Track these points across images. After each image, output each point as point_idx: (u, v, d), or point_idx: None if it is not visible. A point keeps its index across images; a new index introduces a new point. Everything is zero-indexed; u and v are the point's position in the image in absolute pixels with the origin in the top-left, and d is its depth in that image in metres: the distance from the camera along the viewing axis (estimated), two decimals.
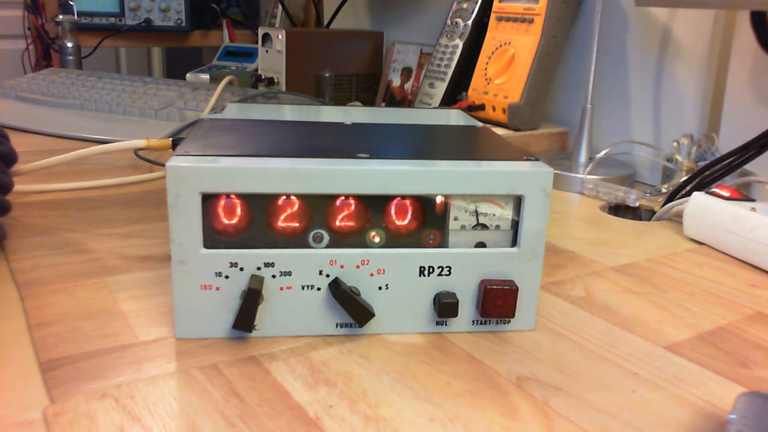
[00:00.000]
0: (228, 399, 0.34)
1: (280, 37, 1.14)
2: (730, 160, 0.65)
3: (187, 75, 1.39)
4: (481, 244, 0.41)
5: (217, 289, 0.39)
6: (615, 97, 0.90)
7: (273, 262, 0.39)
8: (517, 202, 0.41)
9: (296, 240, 0.39)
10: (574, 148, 0.84)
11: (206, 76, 1.33)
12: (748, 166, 0.66)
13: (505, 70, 0.91)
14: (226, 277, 0.39)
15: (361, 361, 0.38)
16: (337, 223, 0.40)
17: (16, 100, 1.07)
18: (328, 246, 0.40)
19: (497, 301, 0.40)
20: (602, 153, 0.80)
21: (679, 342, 0.42)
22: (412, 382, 0.36)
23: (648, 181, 0.86)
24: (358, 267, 0.40)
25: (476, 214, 0.41)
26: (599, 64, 0.90)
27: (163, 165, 0.38)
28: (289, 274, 0.39)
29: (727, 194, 0.60)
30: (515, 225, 0.41)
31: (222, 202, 0.38)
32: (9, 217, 0.61)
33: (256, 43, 1.25)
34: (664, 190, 0.77)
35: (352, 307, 0.39)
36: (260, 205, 0.39)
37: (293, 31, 1.16)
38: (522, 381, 0.37)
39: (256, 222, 0.39)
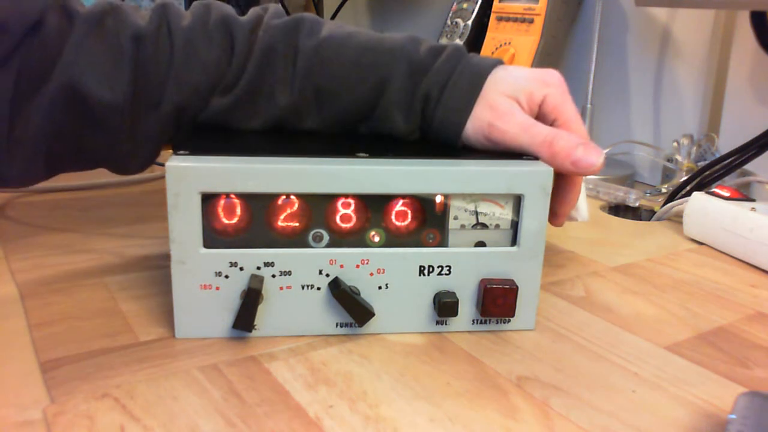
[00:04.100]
0: (228, 399, 0.34)
1: None
2: (730, 160, 0.65)
3: None
4: (480, 244, 0.41)
5: (217, 288, 0.39)
6: (615, 97, 0.90)
7: (273, 262, 0.39)
8: (517, 201, 0.41)
9: (296, 240, 0.39)
10: None
11: None
12: (748, 166, 0.66)
13: None
14: (226, 276, 0.39)
15: (361, 361, 0.38)
16: (337, 222, 0.40)
17: None
18: (328, 245, 0.40)
19: (497, 301, 0.40)
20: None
21: (679, 342, 0.42)
22: (412, 382, 0.36)
23: (648, 181, 0.86)
24: (357, 266, 0.40)
25: (476, 213, 0.41)
26: (599, 64, 0.90)
27: (163, 165, 0.38)
28: (289, 273, 0.39)
29: (727, 194, 0.60)
30: (515, 224, 0.41)
31: (222, 201, 0.38)
32: (9, 217, 0.61)
33: None
34: (664, 190, 0.77)
35: (352, 307, 0.39)
36: (260, 205, 0.39)
37: None
38: (522, 381, 0.37)
39: (256, 222, 0.39)
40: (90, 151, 0.44)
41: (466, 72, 0.45)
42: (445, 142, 0.45)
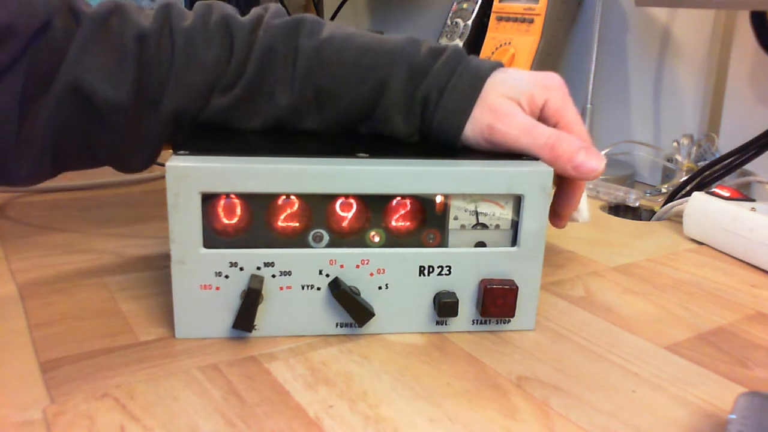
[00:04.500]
0: (228, 399, 0.34)
1: None
2: (730, 160, 0.65)
3: None
4: (480, 244, 0.41)
5: (217, 289, 0.39)
6: (615, 97, 0.90)
7: (273, 262, 0.39)
8: (517, 201, 0.41)
9: (296, 240, 0.39)
10: None
11: None
12: (748, 166, 0.66)
13: None
14: (226, 276, 0.39)
15: (361, 361, 0.38)
16: (337, 222, 0.40)
17: None
18: (328, 246, 0.40)
19: (497, 301, 0.40)
20: (602, 153, 0.80)
21: (679, 342, 0.42)
22: (412, 382, 0.36)
23: (648, 181, 0.86)
24: (357, 267, 0.40)
25: (476, 213, 0.41)
26: (599, 64, 0.90)
27: (163, 165, 0.38)
28: (289, 273, 0.39)
29: (727, 194, 0.60)
30: (515, 224, 0.41)
31: (222, 201, 0.38)
32: (9, 217, 0.61)
33: None
34: (664, 190, 0.77)
35: (352, 307, 0.39)
36: (260, 205, 0.39)
37: None
38: (522, 381, 0.37)
39: (256, 222, 0.39)
40: (95, 149, 0.45)
41: (465, 74, 0.44)
42: (444, 144, 0.45)
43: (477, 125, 0.44)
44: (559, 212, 0.47)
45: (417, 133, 0.46)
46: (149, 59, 0.43)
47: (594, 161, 0.42)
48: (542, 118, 0.45)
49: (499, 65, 0.46)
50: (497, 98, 0.44)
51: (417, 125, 0.46)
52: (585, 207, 0.53)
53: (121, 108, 0.43)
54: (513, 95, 0.44)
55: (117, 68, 0.42)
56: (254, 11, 0.47)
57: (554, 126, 0.45)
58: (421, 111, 0.45)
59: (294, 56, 0.45)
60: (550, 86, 0.45)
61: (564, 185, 0.46)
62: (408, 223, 0.40)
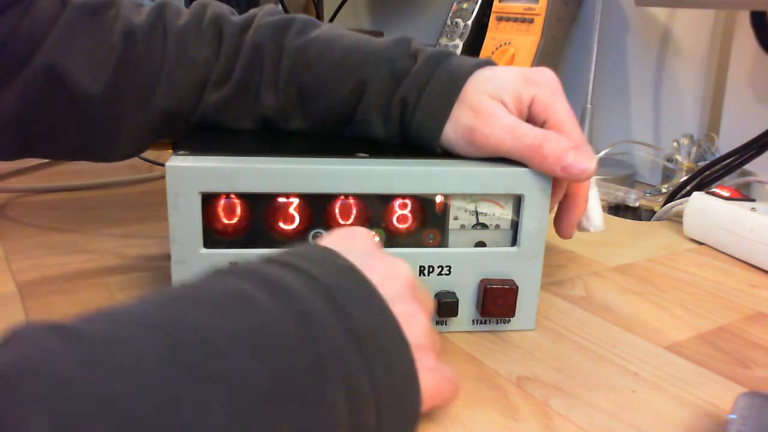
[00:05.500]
0: None
1: None
2: (730, 160, 0.65)
3: None
4: (480, 244, 0.41)
5: None
6: (615, 97, 0.90)
7: None
8: (517, 201, 0.41)
9: (296, 240, 0.39)
10: None
11: None
12: (748, 166, 0.66)
13: None
14: None
15: None
16: (337, 222, 0.39)
17: None
18: None
19: (497, 301, 0.40)
20: (602, 153, 0.80)
21: (679, 342, 0.42)
22: None
23: (648, 181, 0.86)
24: None
25: (476, 213, 0.41)
26: (599, 64, 0.90)
27: (163, 165, 0.38)
28: None
29: (727, 194, 0.60)
30: (515, 224, 0.41)
31: (222, 202, 0.38)
32: (9, 217, 0.61)
33: None
34: (664, 190, 0.77)
35: None
36: (260, 205, 0.39)
37: None
38: (522, 381, 0.37)
39: (256, 222, 0.39)
40: (64, 136, 0.45)
41: (444, 74, 0.42)
42: (425, 147, 0.43)
43: (458, 127, 0.41)
44: (561, 221, 0.44)
45: (397, 136, 0.44)
46: (136, 56, 0.43)
47: (585, 161, 0.39)
48: (530, 116, 0.42)
49: (486, 63, 0.43)
50: (480, 97, 0.41)
51: (396, 128, 0.44)
52: (596, 213, 0.48)
53: (97, 98, 0.43)
54: (497, 94, 0.41)
55: (98, 60, 0.43)
56: (250, 11, 0.47)
57: (542, 124, 0.41)
58: (399, 114, 0.43)
59: (279, 55, 0.45)
60: (538, 81, 0.42)
61: (563, 189, 0.44)
62: (408, 223, 0.40)
